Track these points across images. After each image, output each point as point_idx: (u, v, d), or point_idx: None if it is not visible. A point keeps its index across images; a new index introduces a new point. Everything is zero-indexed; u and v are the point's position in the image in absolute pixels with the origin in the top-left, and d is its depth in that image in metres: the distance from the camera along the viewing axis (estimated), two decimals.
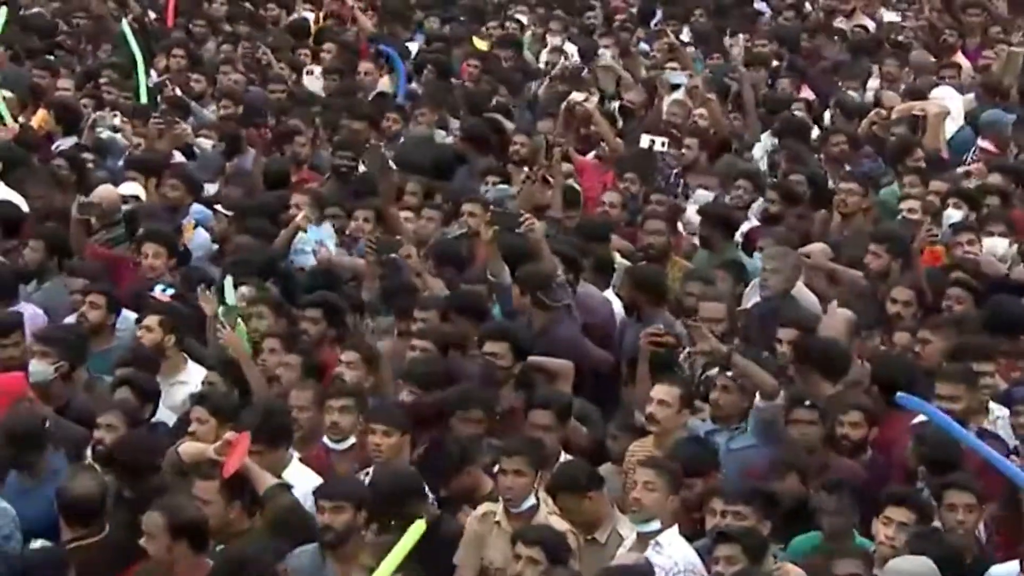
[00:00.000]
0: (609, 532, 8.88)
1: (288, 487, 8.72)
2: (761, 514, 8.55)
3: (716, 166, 14.53)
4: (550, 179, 13.00)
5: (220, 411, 9.33)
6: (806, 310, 11.10)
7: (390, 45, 17.84)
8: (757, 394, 9.73)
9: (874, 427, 9.57)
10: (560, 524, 8.69)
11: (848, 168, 14.16)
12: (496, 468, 8.94)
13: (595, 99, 14.95)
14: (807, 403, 9.60)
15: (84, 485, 8.43)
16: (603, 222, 12.84)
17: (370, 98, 16.47)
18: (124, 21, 16.47)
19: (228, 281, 10.97)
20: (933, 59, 17.50)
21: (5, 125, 14.77)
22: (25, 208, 12.73)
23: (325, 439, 9.53)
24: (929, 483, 8.92)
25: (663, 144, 14.23)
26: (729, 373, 9.81)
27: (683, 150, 14.47)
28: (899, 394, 9.28)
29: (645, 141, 14.27)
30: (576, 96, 14.87)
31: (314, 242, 12.21)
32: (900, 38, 18.70)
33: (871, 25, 19.52)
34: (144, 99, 15.52)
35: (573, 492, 8.82)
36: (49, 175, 13.55)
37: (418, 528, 7.78)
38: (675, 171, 14.35)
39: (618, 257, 12.23)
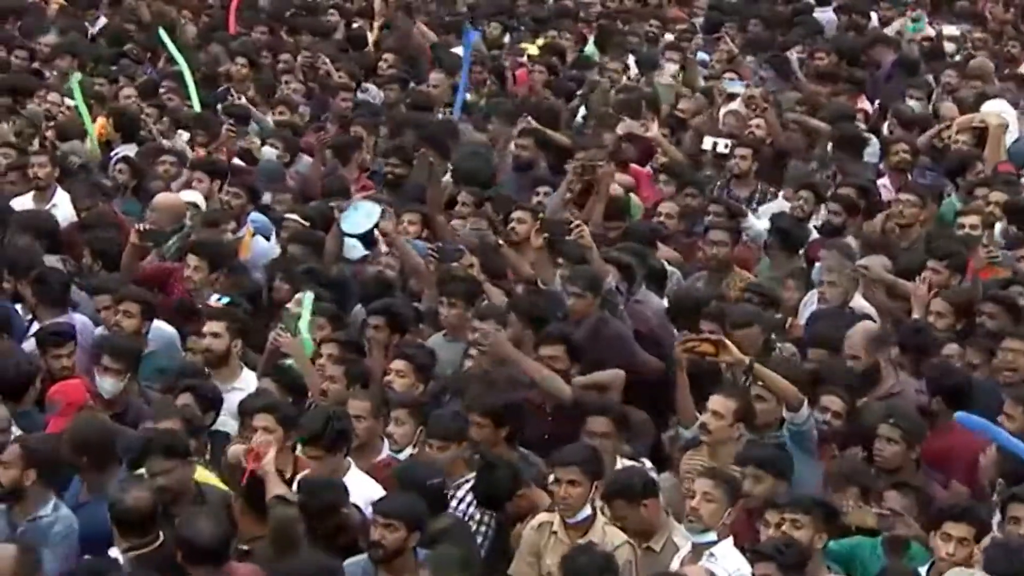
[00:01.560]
0: (664, 540, 8.85)
1: (289, 500, 8.68)
2: (820, 525, 8.49)
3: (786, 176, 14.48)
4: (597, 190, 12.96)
5: (288, 420, 9.27)
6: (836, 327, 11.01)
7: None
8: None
9: (915, 446, 9.52)
10: (617, 535, 8.66)
11: (911, 178, 14.09)
12: (551, 479, 8.93)
13: (655, 127, 14.91)
14: (891, 420, 9.55)
15: (136, 496, 8.44)
16: (650, 228, 12.78)
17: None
18: (161, 30, 16.45)
19: (309, 297, 10.90)
20: (994, 69, 17.40)
21: (87, 136, 14.84)
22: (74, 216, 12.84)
23: (387, 450, 9.54)
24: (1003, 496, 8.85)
25: (726, 146, 14.19)
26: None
27: (736, 159, 14.44)
28: (959, 414, 9.21)
29: (708, 143, 14.25)
30: (636, 127, 14.85)
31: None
32: (957, 57, 18.61)
33: (934, 35, 19.44)
34: (197, 106, 15.53)
35: (628, 500, 8.80)
36: (94, 185, 13.60)
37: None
38: (725, 179, 14.31)
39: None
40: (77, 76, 15.77)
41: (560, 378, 9.98)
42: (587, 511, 8.73)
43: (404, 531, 8.34)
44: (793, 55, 17.94)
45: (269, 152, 14.88)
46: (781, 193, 14.12)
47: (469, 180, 13.81)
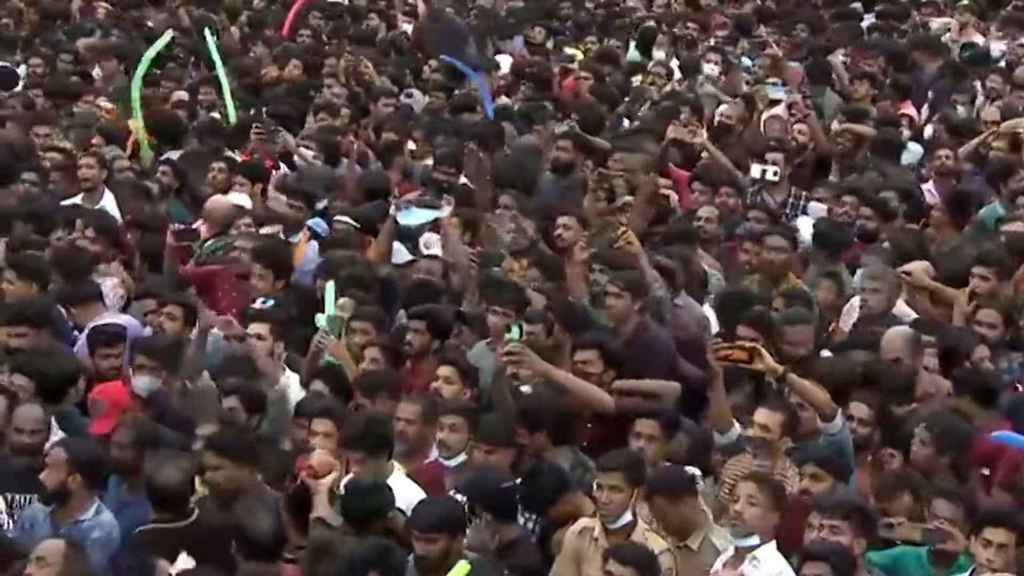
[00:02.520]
0: (702, 539, 8.85)
1: (327, 524, 8.72)
2: (858, 531, 8.47)
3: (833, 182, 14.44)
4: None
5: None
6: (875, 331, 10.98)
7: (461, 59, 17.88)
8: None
9: (946, 452, 9.49)
10: (657, 543, 8.67)
11: (956, 184, 14.06)
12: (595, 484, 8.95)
13: (703, 132, 14.89)
14: (925, 424, 9.53)
15: (169, 474, 8.55)
16: (688, 231, 12.79)
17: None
18: (209, 39, 16.56)
19: (330, 289, 11.03)
20: None
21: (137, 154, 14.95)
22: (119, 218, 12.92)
23: (436, 455, 9.55)
24: None
25: (775, 174, 14.12)
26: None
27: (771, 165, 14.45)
28: (995, 433, 9.17)
29: (756, 171, 14.17)
30: (683, 132, 14.83)
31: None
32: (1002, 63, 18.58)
33: (981, 41, 19.38)
34: (232, 115, 15.55)
35: (667, 496, 8.80)
36: (136, 187, 13.66)
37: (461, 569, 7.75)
38: (757, 186, 14.31)
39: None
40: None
41: (598, 388, 9.95)
42: (628, 517, 8.72)
43: (446, 539, 8.37)
44: (838, 58, 17.91)
45: (306, 154, 14.89)
46: (815, 198, 14.09)
47: (511, 183, 13.82)
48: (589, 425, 9.99)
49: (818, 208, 13.82)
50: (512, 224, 12.68)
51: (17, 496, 9.21)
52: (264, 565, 8.14)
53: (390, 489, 8.77)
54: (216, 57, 16.14)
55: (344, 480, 8.95)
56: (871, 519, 8.63)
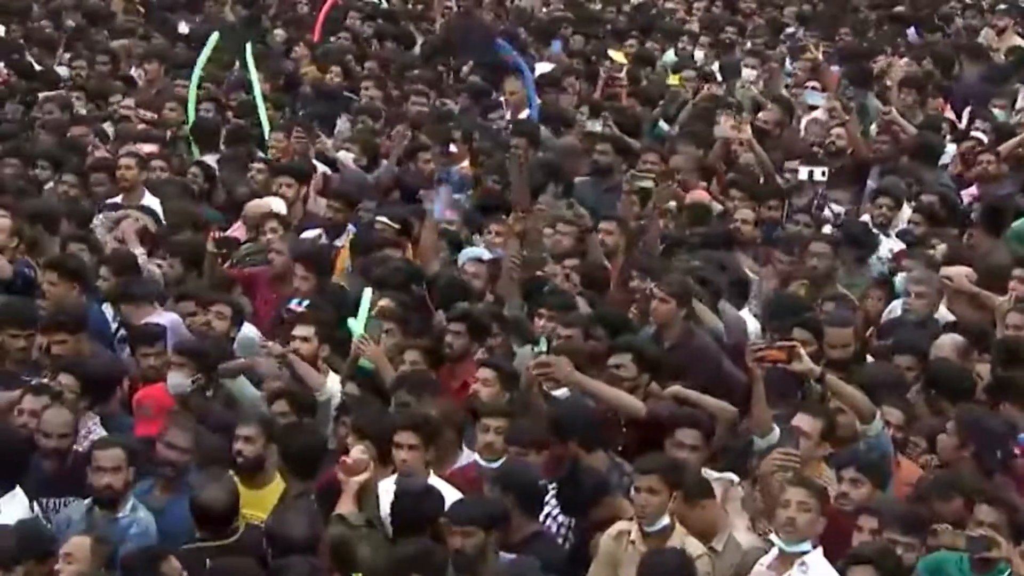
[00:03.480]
0: (726, 540, 8.82)
1: (347, 522, 8.68)
2: (915, 539, 8.44)
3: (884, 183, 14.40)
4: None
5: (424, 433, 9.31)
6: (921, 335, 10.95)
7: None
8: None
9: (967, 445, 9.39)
10: (695, 546, 8.63)
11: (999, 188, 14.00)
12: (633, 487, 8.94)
13: (748, 129, 14.85)
14: (953, 420, 9.48)
15: (214, 494, 8.57)
16: (726, 234, 12.74)
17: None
18: (247, 48, 16.60)
19: (366, 295, 11.03)
20: None
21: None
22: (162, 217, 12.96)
23: (477, 457, 9.53)
24: None
25: (823, 174, 14.09)
26: None
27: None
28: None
29: (804, 172, 14.13)
30: (730, 130, 14.81)
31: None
32: None
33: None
34: (266, 124, 15.52)
35: (685, 500, 8.77)
36: (183, 187, 13.71)
37: None
38: (821, 192, 14.26)
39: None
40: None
41: (629, 395, 9.91)
42: (665, 520, 8.68)
43: (482, 534, 8.37)
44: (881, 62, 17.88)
45: (345, 157, 14.88)
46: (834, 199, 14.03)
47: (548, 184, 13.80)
48: (624, 429, 9.95)
49: (837, 211, 13.76)
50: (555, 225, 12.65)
51: (50, 500, 9.24)
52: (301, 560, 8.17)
53: (441, 496, 8.76)
54: (251, 64, 16.12)
55: (392, 480, 8.96)
56: (926, 525, 8.59)
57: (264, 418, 9.65)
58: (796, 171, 14.24)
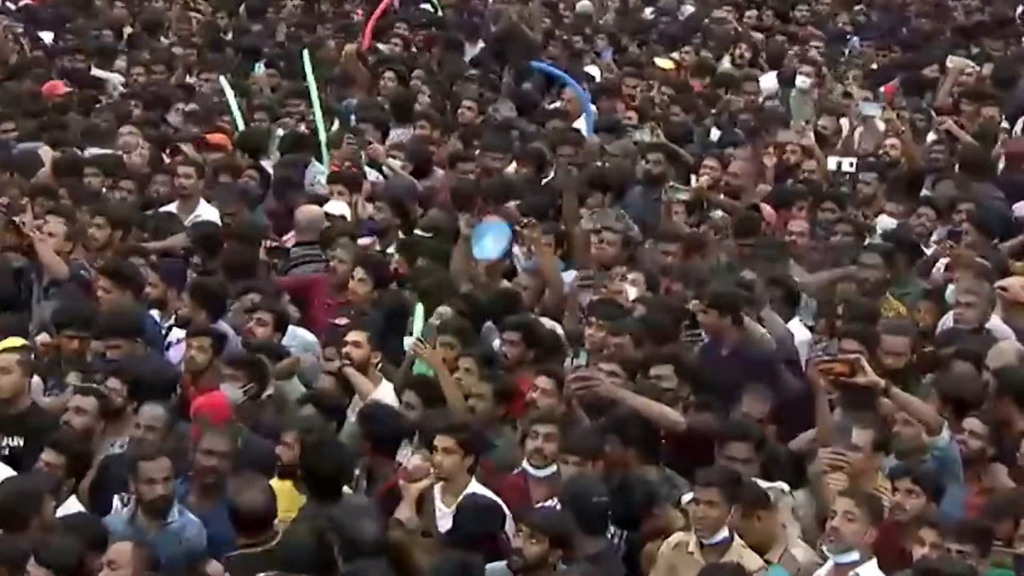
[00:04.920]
0: (781, 553, 8.80)
1: (403, 526, 8.74)
2: (979, 552, 8.41)
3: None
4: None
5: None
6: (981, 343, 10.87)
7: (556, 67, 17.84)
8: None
9: None
10: (754, 560, 8.61)
11: None
12: (690, 498, 8.92)
13: (811, 135, 14.82)
14: None
15: (251, 497, 8.59)
16: (779, 244, 12.72)
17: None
18: (306, 54, 16.65)
19: (419, 308, 10.99)
20: None
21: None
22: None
23: (525, 465, 9.53)
24: None
25: (851, 164, 14.11)
26: None
27: (862, 184, 14.33)
28: None
29: (832, 163, 14.15)
30: (793, 136, 14.78)
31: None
32: None
33: None
34: (322, 131, 15.53)
35: (742, 513, 8.75)
36: (240, 192, 13.77)
37: None
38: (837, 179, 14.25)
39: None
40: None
41: (670, 409, 9.88)
42: (724, 534, 8.67)
43: (546, 545, 8.36)
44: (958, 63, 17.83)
45: (393, 163, 14.90)
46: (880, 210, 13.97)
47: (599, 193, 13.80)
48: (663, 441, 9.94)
49: (888, 221, 13.73)
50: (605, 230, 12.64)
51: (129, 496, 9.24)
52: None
53: (503, 513, 8.76)
54: (310, 73, 16.20)
55: (465, 493, 8.98)
56: (991, 539, 8.55)
57: (304, 425, 9.65)
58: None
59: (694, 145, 15.71)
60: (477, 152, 15.03)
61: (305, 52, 16.62)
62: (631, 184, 14.32)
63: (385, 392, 10.49)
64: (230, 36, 20.27)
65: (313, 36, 19.82)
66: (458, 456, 9.15)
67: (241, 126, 15.26)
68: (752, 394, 10.04)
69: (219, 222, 12.99)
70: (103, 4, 21.59)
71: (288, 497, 9.08)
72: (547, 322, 11.41)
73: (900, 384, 9.89)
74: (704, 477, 8.83)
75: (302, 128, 15.79)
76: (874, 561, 8.49)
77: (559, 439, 9.41)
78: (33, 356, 10.34)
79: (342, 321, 11.36)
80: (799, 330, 11.56)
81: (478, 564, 8.27)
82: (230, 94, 15.42)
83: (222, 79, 15.96)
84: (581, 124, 16.06)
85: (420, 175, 14.80)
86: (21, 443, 9.79)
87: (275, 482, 9.08)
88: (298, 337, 11.20)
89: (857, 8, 22.46)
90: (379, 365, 10.63)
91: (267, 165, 14.76)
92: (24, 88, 17.12)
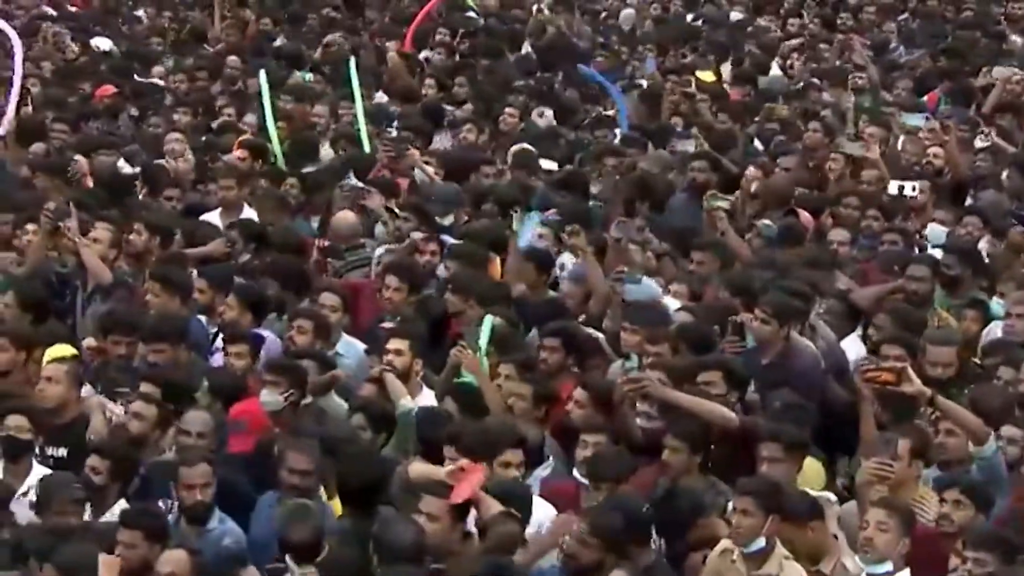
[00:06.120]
0: (834, 564, 8.76)
1: (515, 516, 8.72)
2: (1000, 562, 8.35)
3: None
4: None
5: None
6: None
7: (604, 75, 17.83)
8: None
9: None
10: (795, 571, 8.59)
11: None
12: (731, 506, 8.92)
13: (876, 148, 14.77)
14: None
15: (300, 532, 8.56)
16: (824, 255, 12.67)
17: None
18: (351, 63, 16.69)
19: (488, 322, 10.90)
20: None
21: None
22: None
23: (576, 474, 9.53)
24: None
25: (913, 188, 14.01)
26: None
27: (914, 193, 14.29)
28: None
29: (894, 187, 14.06)
30: (856, 148, 14.76)
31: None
32: None
33: None
34: (366, 142, 15.59)
35: (794, 522, 8.72)
36: (279, 199, 13.80)
37: None
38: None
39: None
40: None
41: (720, 406, 9.88)
42: (760, 543, 8.65)
43: (600, 551, 8.37)
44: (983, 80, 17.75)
45: (428, 170, 14.87)
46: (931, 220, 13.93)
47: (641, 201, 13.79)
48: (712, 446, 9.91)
49: (939, 230, 13.67)
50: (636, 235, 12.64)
51: (172, 502, 9.31)
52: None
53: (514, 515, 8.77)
54: (356, 84, 16.21)
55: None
56: (1014, 549, 8.49)
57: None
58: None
59: (736, 152, 15.69)
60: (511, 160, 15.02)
61: (351, 60, 16.64)
62: (671, 194, 14.29)
63: (426, 400, 10.48)
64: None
65: (355, 39, 19.87)
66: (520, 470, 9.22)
67: (272, 127, 15.25)
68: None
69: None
70: (151, 12, 21.72)
71: None
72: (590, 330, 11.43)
73: (945, 393, 9.87)
74: (741, 485, 8.83)
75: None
76: (907, 572, 8.47)
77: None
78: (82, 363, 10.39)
79: (388, 325, 11.34)
80: (856, 346, 11.47)
81: (511, 566, 8.28)
82: (266, 93, 15.45)
83: (262, 75, 16.03)
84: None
85: (458, 181, 14.77)
86: (65, 453, 9.85)
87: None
88: (351, 345, 11.23)
89: (902, 17, 22.39)
90: (420, 373, 10.63)
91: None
92: (75, 92, 17.20)
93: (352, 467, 9.12)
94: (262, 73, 15.95)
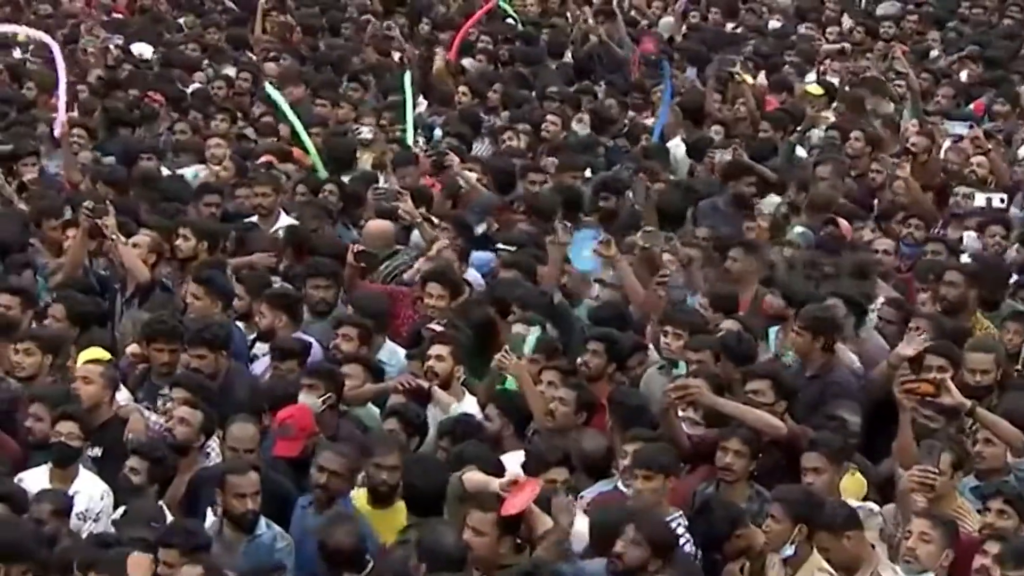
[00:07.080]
0: (871, 574, 8.71)
1: (566, 531, 8.69)
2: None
3: None
4: None
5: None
6: None
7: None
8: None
9: None
10: None
11: None
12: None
13: (907, 167, 14.72)
14: None
15: (340, 539, 8.58)
16: (866, 264, 12.61)
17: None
18: (407, 74, 16.65)
19: (533, 333, 10.87)
20: None
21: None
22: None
23: (618, 482, 9.51)
24: None
25: (1001, 200, 13.96)
26: None
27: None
28: None
29: (981, 199, 14.00)
30: (889, 164, 14.70)
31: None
32: None
33: None
34: (411, 141, 15.57)
35: (830, 532, 8.69)
36: (319, 207, 13.80)
37: None
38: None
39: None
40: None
41: (768, 413, 9.86)
42: (788, 551, 8.65)
43: (648, 553, 8.36)
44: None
45: (469, 178, 14.84)
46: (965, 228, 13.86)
47: (676, 211, 13.80)
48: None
49: (974, 238, 13.59)
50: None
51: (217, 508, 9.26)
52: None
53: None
54: (408, 91, 16.17)
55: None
56: None
57: (402, 445, 9.68)
58: (970, 197, 14.07)
59: (776, 161, 15.65)
60: (555, 169, 15.02)
61: (407, 74, 16.67)
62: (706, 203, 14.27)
63: (468, 406, 10.47)
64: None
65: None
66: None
67: (304, 136, 15.20)
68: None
69: None
70: (188, 21, 21.80)
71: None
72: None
73: (985, 404, 9.82)
74: (774, 493, 8.86)
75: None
76: None
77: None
78: (117, 368, 10.40)
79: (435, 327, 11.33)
80: None
81: (546, 567, 8.27)
82: (282, 101, 15.46)
83: (267, 85, 16.03)
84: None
85: (502, 190, 14.76)
86: (100, 453, 9.88)
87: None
88: (393, 352, 11.24)
89: (951, 25, 22.32)
90: (462, 379, 10.62)
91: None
92: (120, 100, 17.27)
93: (419, 475, 9.15)
94: (267, 85, 15.98)
